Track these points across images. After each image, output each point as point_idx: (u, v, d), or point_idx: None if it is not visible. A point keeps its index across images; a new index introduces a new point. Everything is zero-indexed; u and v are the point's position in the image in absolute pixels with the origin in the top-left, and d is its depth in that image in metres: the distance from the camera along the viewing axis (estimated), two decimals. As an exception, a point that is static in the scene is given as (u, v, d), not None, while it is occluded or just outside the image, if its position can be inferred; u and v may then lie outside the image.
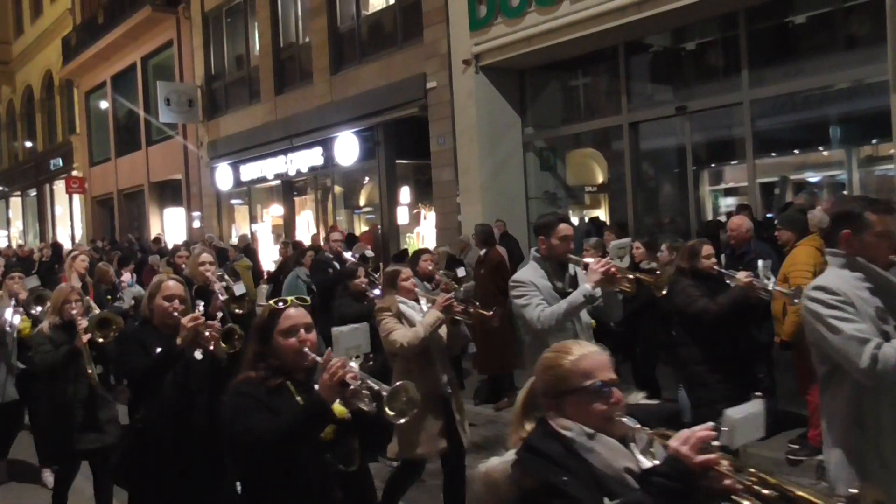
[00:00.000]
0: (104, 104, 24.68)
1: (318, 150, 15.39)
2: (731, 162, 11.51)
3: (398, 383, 2.73)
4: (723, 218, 10.66)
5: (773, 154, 10.98)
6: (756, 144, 9.55)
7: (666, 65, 11.28)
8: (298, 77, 16.37)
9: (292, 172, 16.50)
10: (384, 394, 2.65)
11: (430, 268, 6.89)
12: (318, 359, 2.81)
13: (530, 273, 4.49)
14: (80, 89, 26.25)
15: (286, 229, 17.15)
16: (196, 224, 19.89)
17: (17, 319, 6.18)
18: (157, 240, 17.95)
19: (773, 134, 10.39)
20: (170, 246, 16.99)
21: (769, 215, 9.64)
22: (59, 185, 28.43)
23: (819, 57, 9.21)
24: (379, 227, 14.57)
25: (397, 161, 14.29)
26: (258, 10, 17.21)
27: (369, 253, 8.99)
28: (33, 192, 31.62)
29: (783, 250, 6.47)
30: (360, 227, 16.14)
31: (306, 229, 16.86)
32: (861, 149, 10.26)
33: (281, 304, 2.97)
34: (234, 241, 16.38)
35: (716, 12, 9.59)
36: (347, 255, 8.73)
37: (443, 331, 4.85)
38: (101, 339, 4.86)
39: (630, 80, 10.91)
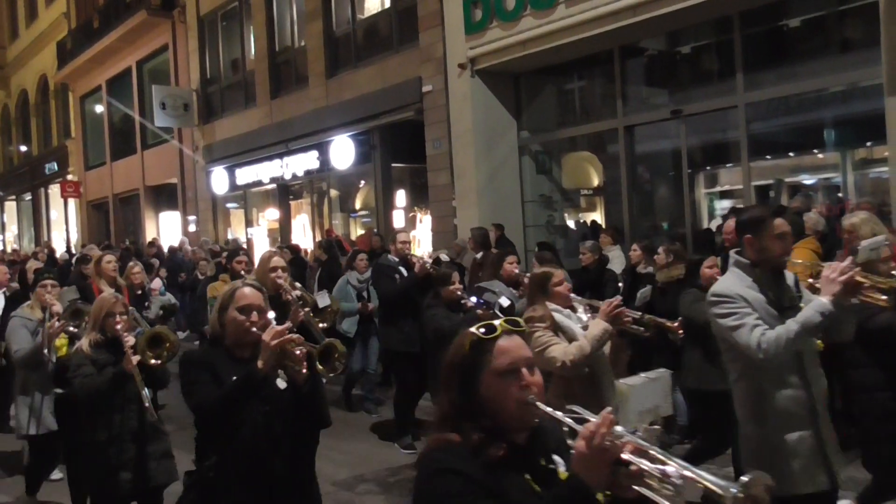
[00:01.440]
0: (99, 108, 24.64)
1: (314, 153, 15.39)
2: (726, 165, 11.56)
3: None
4: (715, 222, 10.71)
5: (767, 157, 11.02)
6: (751, 147, 9.57)
7: (661, 68, 11.31)
8: (294, 81, 16.37)
9: (288, 176, 16.50)
10: None
11: (516, 271, 6.47)
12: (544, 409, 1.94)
13: (735, 284, 3.45)
14: (75, 93, 26.22)
15: (282, 233, 17.15)
16: (192, 228, 19.86)
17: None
18: (153, 243, 17.91)
19: (767, 137, 10.42)
20: (165, 248, 16.98)
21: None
22: (55, 190, 28.37)
23: (813, 60, 9.24)
24: (375, 230, 14.56)
25: (393, 165, 14.30)
26: (254, 14, 17.21)
27: (444, 256, 7.75)
28: (28, 197, 31.57)
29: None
30: (356, 231, 16.13)
31: (302, 233, 16.86)
32: (855, 151, 10.30)
33: (484, 329, 2.02)
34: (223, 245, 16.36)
35: (710, 16, 9.61)
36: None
37: (606, 346, 4.11)
38: (152, 361, 4.20)
39: (625, 84, 10.93)
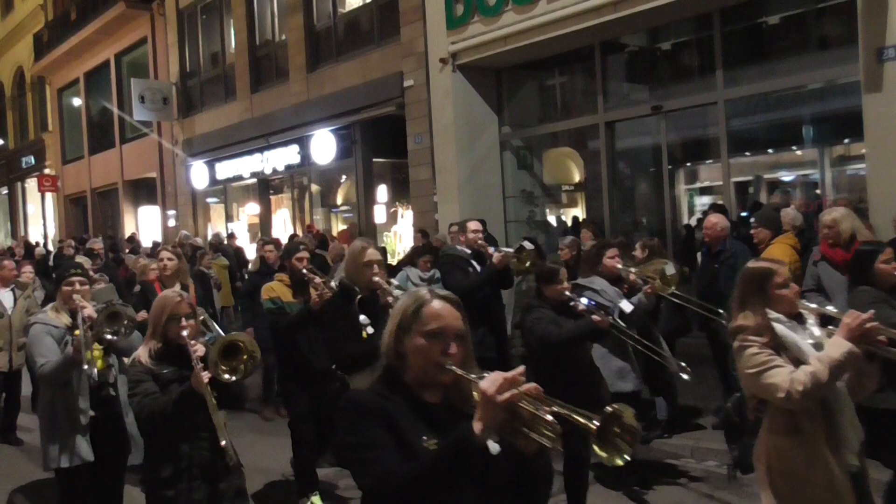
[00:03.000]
0: (77, 101, 24.37)
1: (295, 148, 15.32)
2: (705, 161, 11.63)
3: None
4: (695, 218, 10.78)
5: (747, 153, 11.11)
6: (730, 144, 9.63)
7: (642, 65, 11.35)
8: (275, 75, 16.27)
9: (268, 171, 16.40)
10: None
11: (619, 266, 5.68)
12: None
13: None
14: (52, 86, 25.91)
15: (262, 228, 17.05)
16: (171, 223, 19.71)
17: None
18: (132, 238, 17.76)
19: (747, 133, 10.50)
20: (144, 244, 16.82)
21: (743, 214, 9.74)
22: (32, 184, 28.04)
23: (792, 57, 9.32)
24: (356, 225, 14.52)
25: (374, 159, 14.26)
26: (234, 7, 17.07)
27: (527, 244, 6.51)
28: (4, 191, 31.17)
29: (758, 248, 6.54)
30: (338, 226, 16.08)
31: (283, 228, 16.77)
32: (833, 148, 10.40)
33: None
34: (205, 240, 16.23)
35: (690, 13, 9.66)
36: (492, 249, 6.45)
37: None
38: (226, 377, 3.46)
39: (606, 80, 10.96)
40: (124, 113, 20.72)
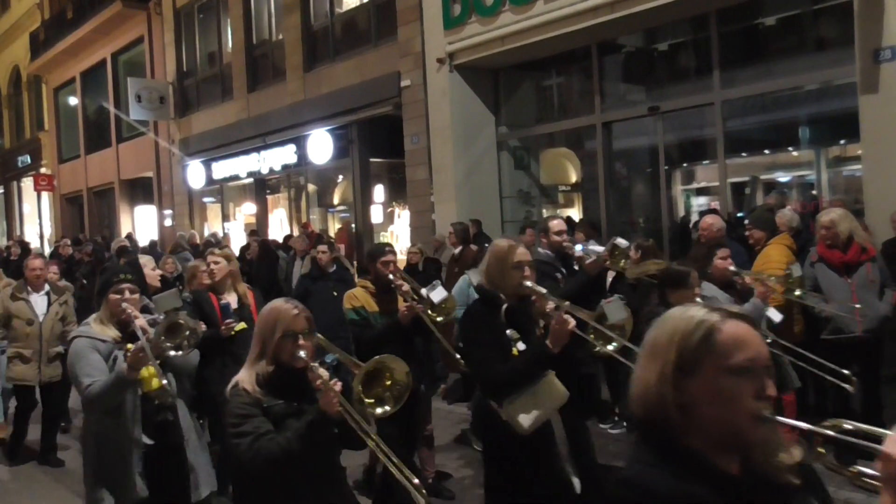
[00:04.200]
0: (73, 100, 24.33)
1: (292, 147, 15.31)
2: (702, 162, 11.63)
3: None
4: (692, 221, 10.78)
5: (743, 154, 11.11)
6: (727, 144, 9.64)
7: (638, 65, 11.35)
8: (271, 74, 16.26)
9: (265, 170, 16.39)
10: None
11: (731, 268, 5.06)
12: None
13: None
14: (48, 85, 25.86)
15: (259, 228, 17.03)
16: (168, 222, 19.69)
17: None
18: (129, 237, 17.71)
19: (743, 134, 10.50)
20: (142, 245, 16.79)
21: (739, 215, 9.75)
22: (28, 183, 27.99)
23: (789, 58, 9.33)
24: (353, 225, 14.52)
25: (371, 159, 14.25)
26: (231, 6, 17.06)
27: (621, 241, 5.56)
28: (0, 190, 31.09)
29: (754, 249, 6.54)
30: (334, 226, 16.07)
31: (279, 228, 16.76)
32: (829, 149, 10.40)
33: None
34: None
35: (687, 14, 9.67)
36: (578, 249, 5.69)
37: None
38: (378, 410, 2.84)
39: (603, 81, 10.97)
40: (121, 112, 20.68)
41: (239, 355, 4.84)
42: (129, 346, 3.72)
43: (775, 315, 4.88)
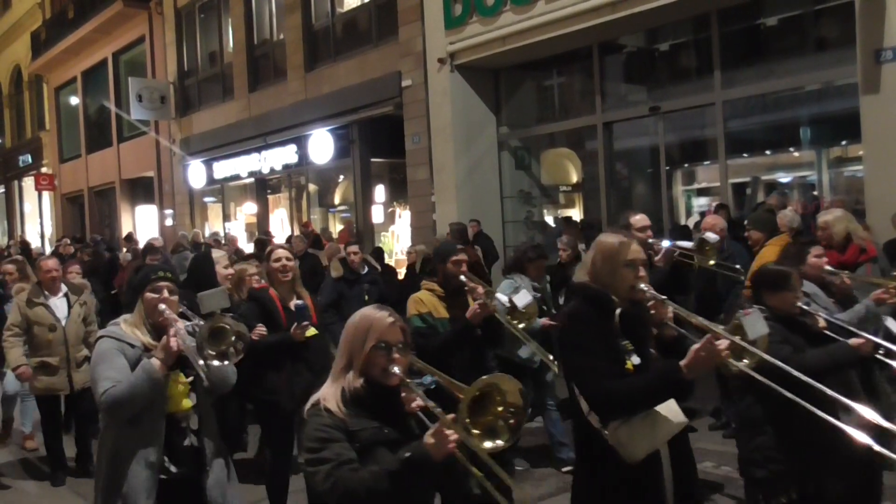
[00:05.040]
0: (75, 100, 24.33)
1: (293, 147, 15.30)
2: (703, 162, 11.62)
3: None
4: (693, 219, 10.78)
5: (744, 154, 11.11)
6: (728, 145, 9.64)
7: (639, 65, 11.35)
8: (272, 74, 16.26)
9: (266, 170, 16.39)
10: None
11: (828, 266, 4.49)
12: None
13: None
14: (49, 85, 25.87)
15: (259, 228, 17.03)
16: (168, 222, 19.69)
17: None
18: (129, 237, 17.72)
19: (744, 135, 10.50)
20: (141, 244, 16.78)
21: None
22: (29, 182, 27.99)
23: (790, 59, 9.33)
24: (354, 225, 14.52)
25: (372, 159, 14.25)
26: (232, 6, 17.06)
27: (711, 236, 5.28)
28: (1, 189, 31.11)
29: (753, 250, 6.54)
30: (335, 226, 16.07)
31: (280, 228, 16.76)
32: (831, 150, 10.41)
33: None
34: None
35: (689, 14, 9.66)
36: (665, 244, 5.20)
37: None
38: (487, 444, 2.30)
39: (604, 81, 10.97)
40: (122, 111, 20.67)
41: (311, 362, 4.71)
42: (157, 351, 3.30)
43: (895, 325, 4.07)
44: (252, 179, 17.31)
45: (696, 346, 2.70)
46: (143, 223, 21.79)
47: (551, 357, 4.48)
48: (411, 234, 12.96)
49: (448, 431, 2.24)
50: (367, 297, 6.87)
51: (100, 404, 3.22)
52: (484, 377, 2.35)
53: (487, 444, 2.29)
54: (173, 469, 3.30)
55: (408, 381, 2.53)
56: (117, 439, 3.28)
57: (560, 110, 12.58)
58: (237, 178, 17.61)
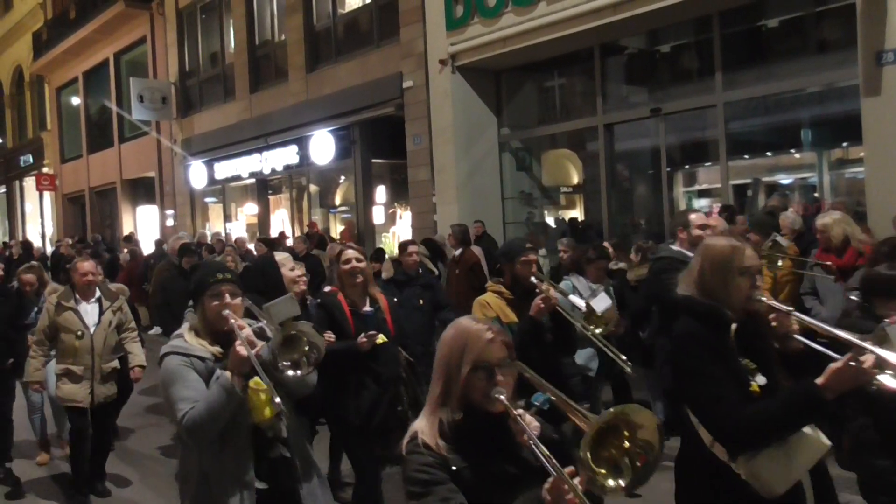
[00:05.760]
0: (76, 100, 24.35)
1: (294, 148, 15.31)
2: (704, 164, 11.62)
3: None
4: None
5: (745, 156, 11.11)
6: (729, 146, 9.63)
7: (641, 67, 11.35)
8: (274, 75, 16.27)
9: (267, 171, 16.39)
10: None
11: None
12: None
13: None
14: (51, 85, 25.89)
15: (260, 228, 17.04)
16: (169, 222, 19.70)
17: None
18: (129, 238, 17.73)
19: (745, 136, 10.50)
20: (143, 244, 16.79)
21: (740, 217, 9.72)
22: (30, 182, 28.01)
23: (791, 61, 9.32)
24: (355, 226, 14.52)
25: (373, 160, 14.26)
26: (233, 7, 17.07)
27: (782, 241, 5.18)
28: (2, 189, 31.12)
29: (755, 252, 6.53)
30: (336, 227, 16.08)
31: (281, 228, 16.76)
32: (832, 152, 10.41)
33: None
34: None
35: (690, 16, 9.66)
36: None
37: None
38: (610, 483, 2.00)
39: (605, 82, 10.97)
40: (123, 111, 20.68)
41: (380, 374, 4.38)
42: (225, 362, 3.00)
43: None
44: (253, 180, 17.32)
45: (837, 364, 2.37)
46: (144, 223, 21.81)
47: (623, 357, 4.17)
48: (412, 235, 12.96)
49: (566, 488, 1.90)
50: (421, 302, 6.39)
51: (181, 428, 2.93)
52: (613, 409, 2.04)
53: (611, 483, 2.01)
54: (262, 486, 3.03)
55: (516, 412, 2.12)
56: (203, 461, 2.99)
57: (561, 111, 12.58)
58: (238, 178, 17.62)
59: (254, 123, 16.23)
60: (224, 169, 17.75)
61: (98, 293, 5.91)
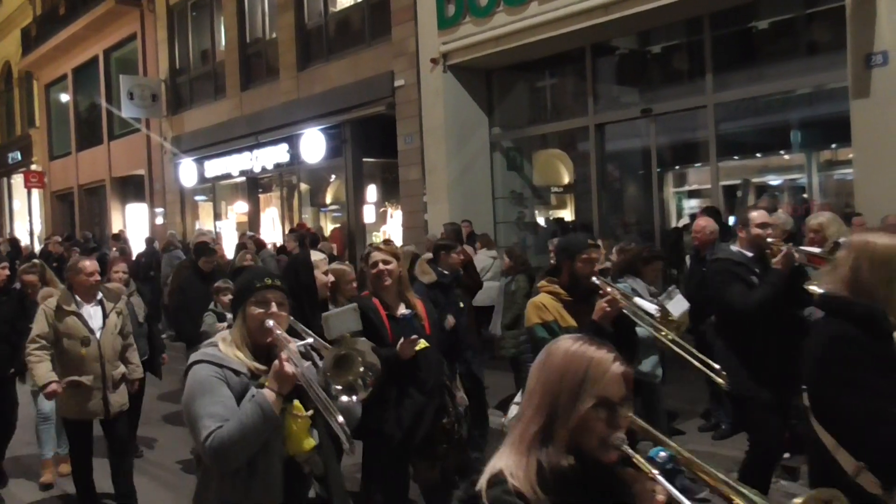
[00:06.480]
0: (65, 97, 24.22)
1: (284, 146, 15.27)
2: (694, 164, 11.67)
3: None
4: (684, 221, 10.83)
5: (735, 157, 11.14)
6: (719, 147, 9.68)
7: (632, 67, 11.38)
8: (265, 73, 16.23)
9: (257, 169, 16.34)
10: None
11: None
12: None
13: None
14: (40, 82, 25.73)
15: (251, 227, 16.99)
16: (159, 220, 19.62)
17: None
18: (117, 236, 17.65)
19: (736, 137, 10.54)
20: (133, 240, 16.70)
21: (732, 219, 9.76)
22: (18, 180, 27.85)
23: (781, 62, 9.37)
24: (346, 226, 14.50)
25: (364, 159, 14.24)
26: (224, 4, 17.02)
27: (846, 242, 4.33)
28: (-10, 186, 30.97)
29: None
30: (327, 226, 16.05)
31: (271, 227, 16.73)
32: (821, 153, 10.45)
33: None
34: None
35: (681, 16, 9.70)
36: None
37: None
38: None
39: (596, 82, 10.99)
40: (113, 108, 20.58)
41: (423, 382, 4.07)
42: (266, 383, 2.60)
43: None
44: (243, 178, 17.26)
45: None
46: (133, 221, 21.72)
47: (718, 366, 3.71)
48: (403, 235, 12.95)
49: None
50: (461, 305, 6.05)
51: (204, 450, 2.51)
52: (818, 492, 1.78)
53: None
54: None
55: (653, 471, 1.73)
56: (224, 492, 2.58)
57: (552, 111, 12.60)
58: (228, 176, 17.56)
59: (244, 121, 16.18)
60: (214, 167, 17.68)
61: (99, 294, 5.44)
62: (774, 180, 11.69)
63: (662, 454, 1.89)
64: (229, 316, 6.19)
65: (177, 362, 9.24)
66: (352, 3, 14.43)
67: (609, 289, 3.72)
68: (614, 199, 11.90)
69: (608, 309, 3.58)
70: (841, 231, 5.79)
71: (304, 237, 11.84)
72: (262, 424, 2.47)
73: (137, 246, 16.68)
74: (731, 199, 11.07)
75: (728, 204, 10.67)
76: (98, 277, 5.41)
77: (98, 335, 5.27)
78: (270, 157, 15.79)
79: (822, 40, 9.09)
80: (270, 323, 2.65)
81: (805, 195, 10.45)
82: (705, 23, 9.50)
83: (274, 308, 2.69)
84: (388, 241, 6.48)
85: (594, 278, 3.73)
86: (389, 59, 12.59)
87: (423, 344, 4.01)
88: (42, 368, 5.24)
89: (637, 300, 3.81)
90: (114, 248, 15.25)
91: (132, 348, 5.65)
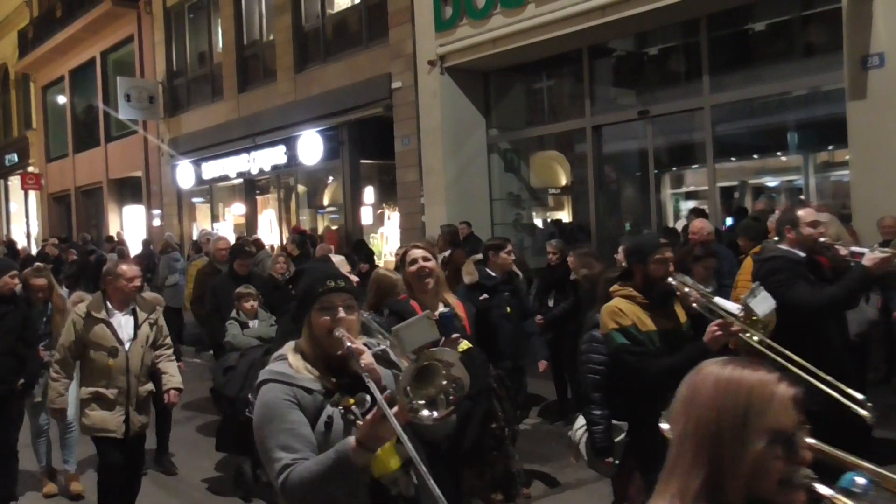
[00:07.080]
0: (62, 99, 24.19)
1: (282, 148, 15.26)
2: (691, 166, 11.69)
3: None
4: (681, 223, 10.83)
5: (732, 158, 11.17)
6: (716, 149, 9.69)
7: (629, 69, 11.40)
8: (262, 75, 16.22)
9: (255, 171, 16.34)
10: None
11: None
12: None
13: None
14: (36, 83, 25.70)
15: (248, 229, 16.98)
16: (156, 222, 19.59)
17: None
18: (110, 238, 17.62)
19: (732, 139, 10.56)
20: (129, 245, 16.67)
21: (728, 221, 9.78)
22: (15, 182, 27.80)
23: (778, 64, 9.39)
24: (343, 227, 14.50)
25: (361, 161, 14.24)
26: (222, 6, 17.01)
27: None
28: (-13, 188, 30.92)
29: (739, 257, 6.57)
30: (324, 228, 16.04)
31: (268, 229, 16.72)
32: (818, 154, 10.48)
33: None
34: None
35: (678, 18, 9.71)
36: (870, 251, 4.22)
37: None
38: None
39: (593, 84, 11.00)
40: (110, 109, 20.55)
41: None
42: (350, 400, 2.32)
43: None
44: (241, 180, 17.25)
45: None
46: (130, 223, 21.69)
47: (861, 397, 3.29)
48: (400, 236, 12.95)
49: None
50: (508, 310, 5.70)
51: (276, 486, 2.29)
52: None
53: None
54: None
55: None
56: None
57: (549, 113, 12.61)
58: (226, 178, 17.55)
59: (242, 123, 16.17)
60: (211, 169, 17.67)
61: (132, 303, 5.06)
62: (771, 182, 11.73)
63: (860, 481, 1.53)
64: (251, 323, 6.24)
65: (195, 370, 9.00)
66: (349, 5, 14.43)
67: (687, 289, 3.53)
68: (611, 200, 11.91)
69: (718, 333, 3.32)
70: (841, 232, 5.80)
71: (307, 240, 11.83)
72: (341, 480, 2.20)
73: (135, 248, 16.65)
74: (729, 200, 11.10)
75: (725, 205, 10.70)
76: (139, 284, 5.08)
77: (127, 346, 4.92)
78: (268, 158, 15.78)
79: (818, 42, 9.11)
80: (339, 332, 2.35)
81: (802, 196, 10.48)
82: (702, 25, 9.51)
83: (341, 313, 2.39)
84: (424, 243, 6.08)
85: (670, 279, 3.55)
86: (387, 61, 12.60)
87: (466, 345, 3.65)
88: (55, 389, 4.99)
89: (718, 300, 3.57)
90: (108, 251, 15.25)
91: (168, 359, 5.24)
